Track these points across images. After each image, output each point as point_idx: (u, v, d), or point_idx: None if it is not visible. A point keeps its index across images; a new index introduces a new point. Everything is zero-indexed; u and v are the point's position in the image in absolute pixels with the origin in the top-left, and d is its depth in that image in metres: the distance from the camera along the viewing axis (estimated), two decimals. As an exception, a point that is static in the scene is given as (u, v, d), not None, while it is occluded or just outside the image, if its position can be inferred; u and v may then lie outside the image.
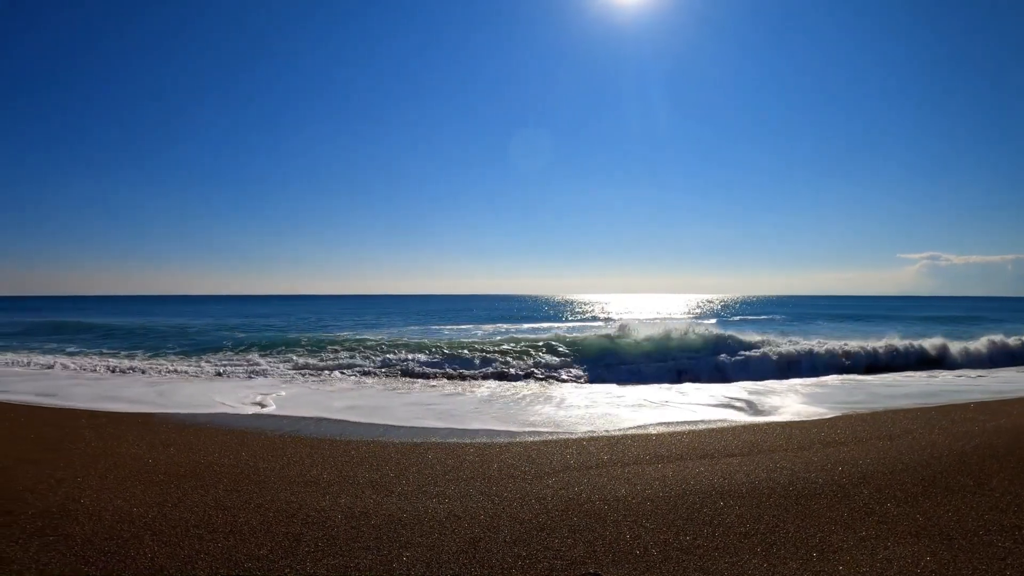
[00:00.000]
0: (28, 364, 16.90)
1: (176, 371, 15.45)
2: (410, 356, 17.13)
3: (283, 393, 11.53)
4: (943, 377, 14.21)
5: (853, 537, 4.16)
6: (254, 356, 18.04)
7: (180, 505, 4.92)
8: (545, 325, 36.67)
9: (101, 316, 47.22)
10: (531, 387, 12.88)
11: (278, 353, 18.59)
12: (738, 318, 51.12)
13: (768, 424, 8.15)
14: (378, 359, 16.91)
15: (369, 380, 14.25)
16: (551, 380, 14.68)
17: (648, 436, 7.47)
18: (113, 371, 15.50)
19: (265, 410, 9.77)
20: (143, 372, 15.34)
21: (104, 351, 20.48)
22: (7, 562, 3.83)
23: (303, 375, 14.92)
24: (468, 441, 7.40)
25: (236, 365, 16.35)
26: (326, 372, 15.37)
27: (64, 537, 4.24)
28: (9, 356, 18.26)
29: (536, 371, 15.60)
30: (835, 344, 18.68)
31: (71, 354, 19.35)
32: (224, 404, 10.26)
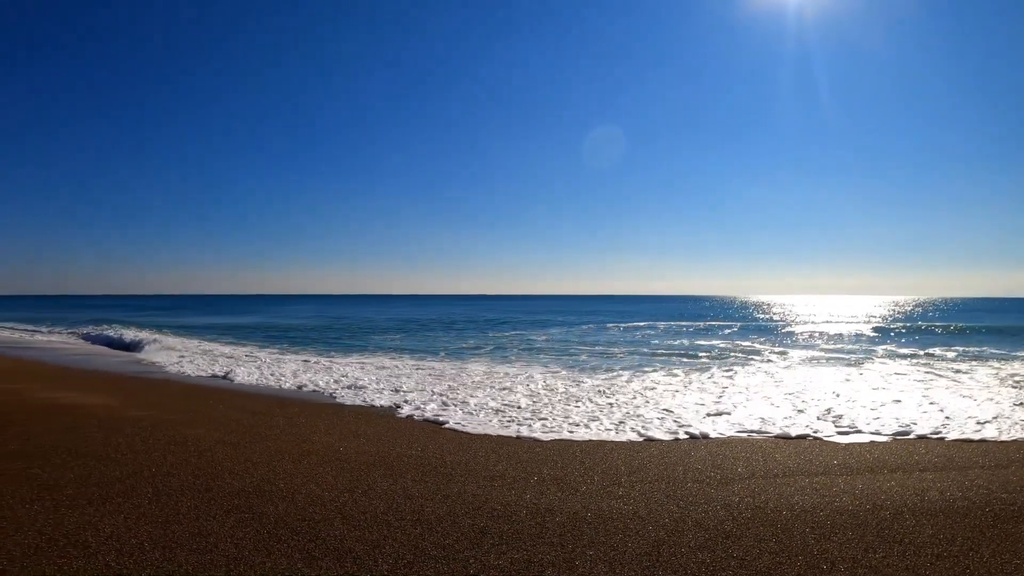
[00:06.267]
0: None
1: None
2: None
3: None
4: None
5: (1049, 564, 3.76)
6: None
7: (369, 492, 4.92)
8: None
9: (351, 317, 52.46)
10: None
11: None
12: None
13: (962, 439, 7.46)
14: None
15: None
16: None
17: (836, 444, 7.08)
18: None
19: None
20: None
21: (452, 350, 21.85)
22: (205, 535, 3.91)
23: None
24: (652, 437, 7.35)
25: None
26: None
27: (258, 515, 4.30)
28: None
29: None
30: None
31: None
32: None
